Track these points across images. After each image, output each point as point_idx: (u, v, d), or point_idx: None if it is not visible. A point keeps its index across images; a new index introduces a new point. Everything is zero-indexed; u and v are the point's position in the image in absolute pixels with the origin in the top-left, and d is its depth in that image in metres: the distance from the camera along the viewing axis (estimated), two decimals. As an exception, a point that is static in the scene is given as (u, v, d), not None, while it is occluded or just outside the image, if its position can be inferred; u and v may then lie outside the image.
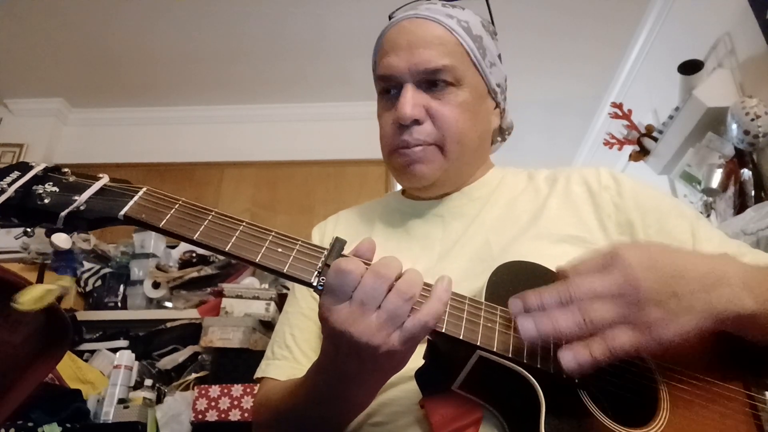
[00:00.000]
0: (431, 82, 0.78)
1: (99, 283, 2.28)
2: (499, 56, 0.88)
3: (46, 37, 2.79)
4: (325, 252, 0.54)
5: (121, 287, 2.26)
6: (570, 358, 0.50)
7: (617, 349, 0.51)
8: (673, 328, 0.52)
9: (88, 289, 2.27)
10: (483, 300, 0.58)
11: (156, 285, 2.18)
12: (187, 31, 2.78)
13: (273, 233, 0.56)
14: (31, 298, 0.53)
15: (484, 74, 0.83)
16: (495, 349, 0.54)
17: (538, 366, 0.55)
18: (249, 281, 2.06)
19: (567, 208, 0.77)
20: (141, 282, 2.22)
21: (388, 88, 0.81)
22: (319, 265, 0.53)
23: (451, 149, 0.79)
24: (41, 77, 3.09)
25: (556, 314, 0.52)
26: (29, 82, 3.12)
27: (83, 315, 2.13)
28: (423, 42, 0.78)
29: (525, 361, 0.55)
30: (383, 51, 0.82)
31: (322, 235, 0.91)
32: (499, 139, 0.95)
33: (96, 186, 0.57)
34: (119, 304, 2.23)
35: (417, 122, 0.77)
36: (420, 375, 0.60)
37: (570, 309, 0.52)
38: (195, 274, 2.13)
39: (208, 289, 2.10)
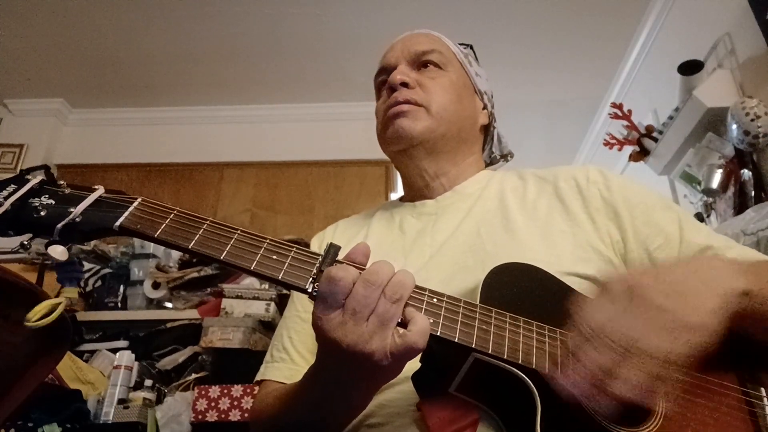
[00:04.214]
0: (421, 62, 0.89)
1: (99, 283, 2.29)
2: (487, 80, 0.98)
3: (46, 37, 2.80)
4: (320, 258, 0.55)
5: (121, 287, 2.26)
6: (628, 389, 0.48)
7: (667, 355, 0.49)
8: (699, 313, 0.51)
9: (88, 289, 2.27)
10: (478, 302, 0.59)
11: (156, 285, 2.19)
12: (187, 31, 2.78)
13: (268, 240, 0.56)
14: (39, 315, 0.54)
15: (469, 74, 0.93)
16: (490, 351, 0.55)
17: (534, 367, 0.55)
18: (249, 282, 2.06)
19: (556, 203, 0.79)
20: (141, 282, 2.22)
21: (384, 80, 0.90)
22: (314, 271, 0.54)
23: (438, 112, 0.85)
24: (41, 77, 3.09)
25: (588, 353, 0.50)
26: (29, 82, 3.12)
27: (83, 315, 2.13)
28: (416, 39, 0.92)
29: (520, 362, 0.55)
30: (383, 55, 0.93)
31: (321, 243, 0.93)
32: (501, 161, 1.01)
33: (91, 198, 0.58)
34: (119, 305, 2.23)
35: (406, 85, 0.86)
36: (416, 377, 0.60)
37: (597, 340, 0.50)
38: (195, 275, 2.13)
39: (208, 290, 2.10)
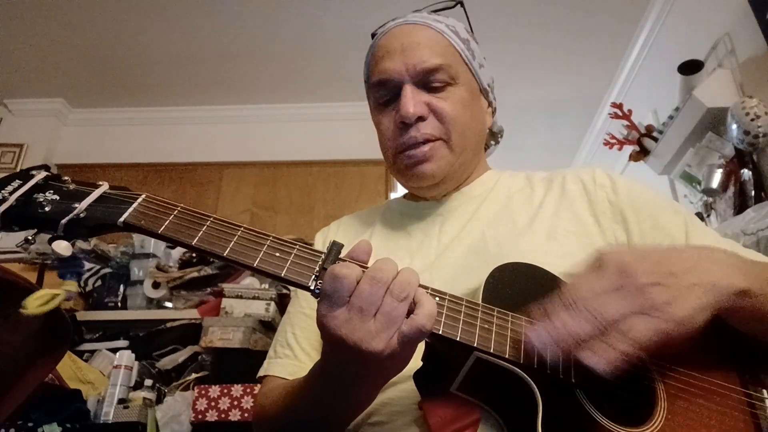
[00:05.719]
0: (429, 81, 0.79)
1: (99, 283, 2.28)
2: (484, 58, 0.90)
3: (46, 37, 2.80)
4: (322, 256, 0.55)
5: (121, 287, 2.25)
6: (596, 360, 0.49)
7: (639, 338, 0.50)
8: (684, 305, 0.52)
9: (88, 289, 2.27)
10: (480, 301, 0.58)
11: (156, 285, 2.18)
12: (187, 31, 2.78)
13: (271, 238, 0.56)
14: (37, 303, 0.54)
15: (475, 74, 0.86)
16: (492, 351, 0.55)
17: (535, 366, 0.55)
18: (249, 281, 2.06)
19: (563, 204, 0.78)
20: (141, 282, 2.22)
21: (386, 95, 0.82)
22: (317, 268, 0.54)
23: (457, 143, 0.80)
24: (41, 77, 3.09)
25: (564, 318, 0.52)
26: (29, 82, 3.12)
27: (83, 315, 2.13)
28: (417, 43, 0.80)
29: (522, 361, 0.55)
30: (376, 58, 0.83)
31: (324, 239, 0.92)
32: (492, 142, 0.97)
33: (95, 193, 0.58)
34: (119, 305, 2.22)
35: (421, 119, 0.78)
36: (418, 376, 0.60)
37: (576, 311, 0.52)
38: (195, 275, 2.12)
39: (208, 289, 2.10)
